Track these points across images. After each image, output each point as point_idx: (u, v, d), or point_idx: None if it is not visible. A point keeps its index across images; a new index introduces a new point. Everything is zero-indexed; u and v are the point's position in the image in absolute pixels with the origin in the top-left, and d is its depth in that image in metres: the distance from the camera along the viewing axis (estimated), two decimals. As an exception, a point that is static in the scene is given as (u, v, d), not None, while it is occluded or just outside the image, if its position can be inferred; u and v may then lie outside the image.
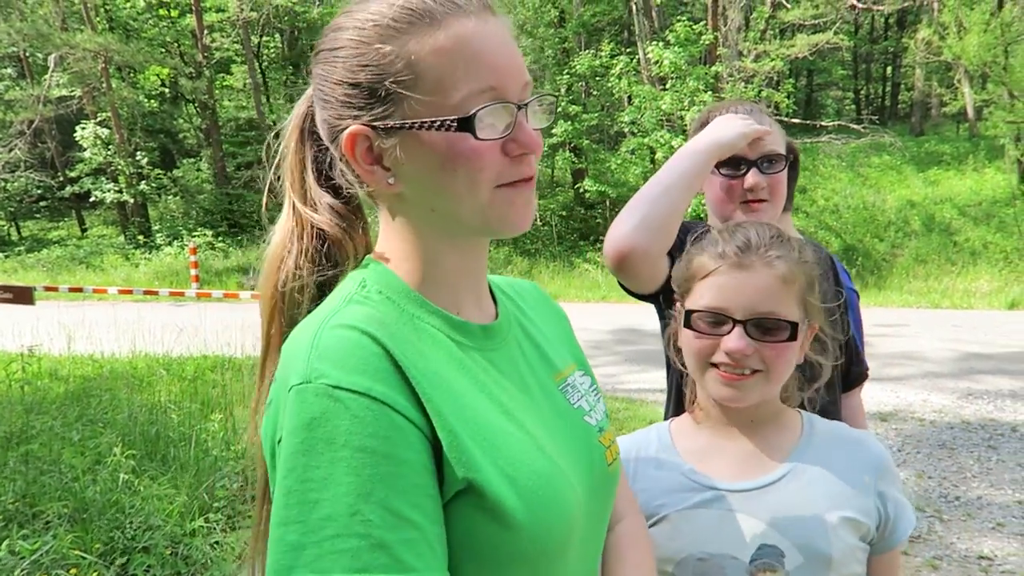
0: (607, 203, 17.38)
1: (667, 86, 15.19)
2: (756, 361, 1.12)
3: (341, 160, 0.87)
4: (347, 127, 0.83)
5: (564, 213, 18.44)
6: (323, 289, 0.89)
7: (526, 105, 0.83)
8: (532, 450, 0.82)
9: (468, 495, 0.75)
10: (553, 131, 16.86)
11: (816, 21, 19.81)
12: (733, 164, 1.60)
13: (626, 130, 16.65)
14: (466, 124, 0.79)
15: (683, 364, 1.24)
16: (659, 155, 14.80)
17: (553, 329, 1.05)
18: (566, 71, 17.36)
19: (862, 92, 33.35)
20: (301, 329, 0.80)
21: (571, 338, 1.09)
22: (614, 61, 16.01)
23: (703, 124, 1.69)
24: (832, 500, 1.15)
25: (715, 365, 1.15)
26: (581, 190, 17.30)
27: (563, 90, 17.39)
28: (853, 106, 32.37)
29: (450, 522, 0.75)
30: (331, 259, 0.90)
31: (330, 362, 0.73)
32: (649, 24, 17.97)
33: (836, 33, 19.45)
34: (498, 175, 0.82)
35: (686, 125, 14.54)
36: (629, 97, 16.51)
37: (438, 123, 0.79)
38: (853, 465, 1.19)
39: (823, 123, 19.84)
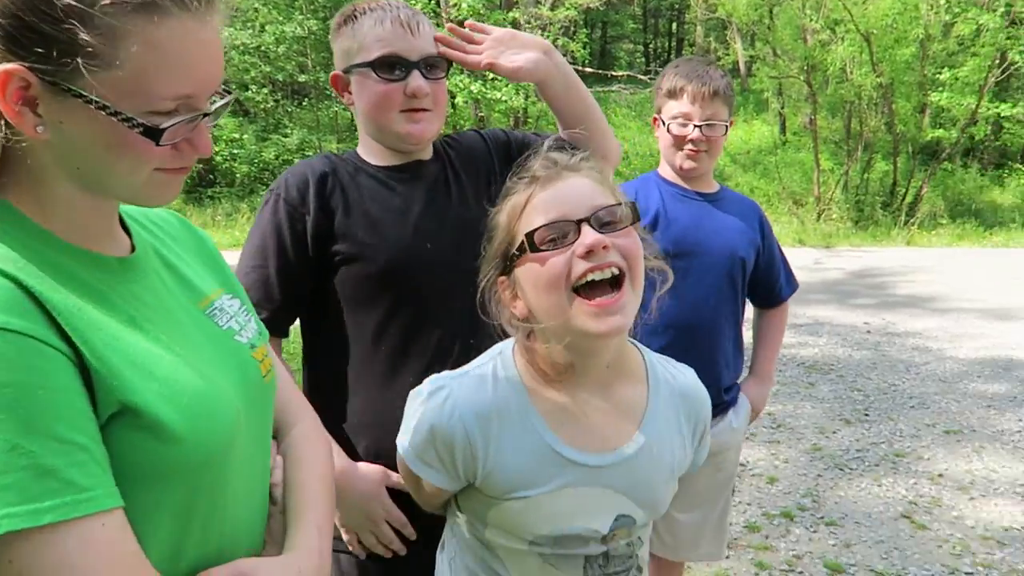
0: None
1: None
2: (617, 256, 1.05)
3: None
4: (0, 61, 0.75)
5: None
6: None
7: (212, 112, 0.85)
8: (185, 370, 0.84)
9: (124, 417, 0.77)
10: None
11: (608, -27, 20.48)
12: (388, 66, 1.44)
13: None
14: (152, 133, 0.79)
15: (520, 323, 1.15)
16: (459, 99, 14.76)
17: (196, 256, 1.05)
18: (363, 9, 16.73)
19: (651, 45, 35.26)
20: None
21: (217, 263, 1.09)
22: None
23: (343, 22, 1.48)
24: (674, 465, 1.21)
25: (579, 294, 1.05)
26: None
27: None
28: (643, 59, 34.17)
29: (108, 445, 0.76)
30: None
31: None
32: (448, -35, 17.66)
33: (626, -14, 20.26)
34: (161, 163, 0.83)
35: (484, 72, 14.56)
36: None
37: (124, 117, 0.77)
38: (689, 422, 1.24)
39: (615, 73, 20.78)
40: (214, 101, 0.85)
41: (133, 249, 0.92)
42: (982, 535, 3.46)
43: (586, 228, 1.05)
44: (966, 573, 3.15)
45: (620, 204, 1.09)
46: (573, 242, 1.05)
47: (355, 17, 1.47)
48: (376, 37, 1.44)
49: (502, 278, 1.15)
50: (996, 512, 3.69)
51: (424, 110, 1.48)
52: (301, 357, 1.60)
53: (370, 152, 1.56)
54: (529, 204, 1.11)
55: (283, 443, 1.08)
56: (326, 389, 1.51)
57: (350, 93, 1.52)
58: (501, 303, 1.16)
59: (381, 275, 1.45)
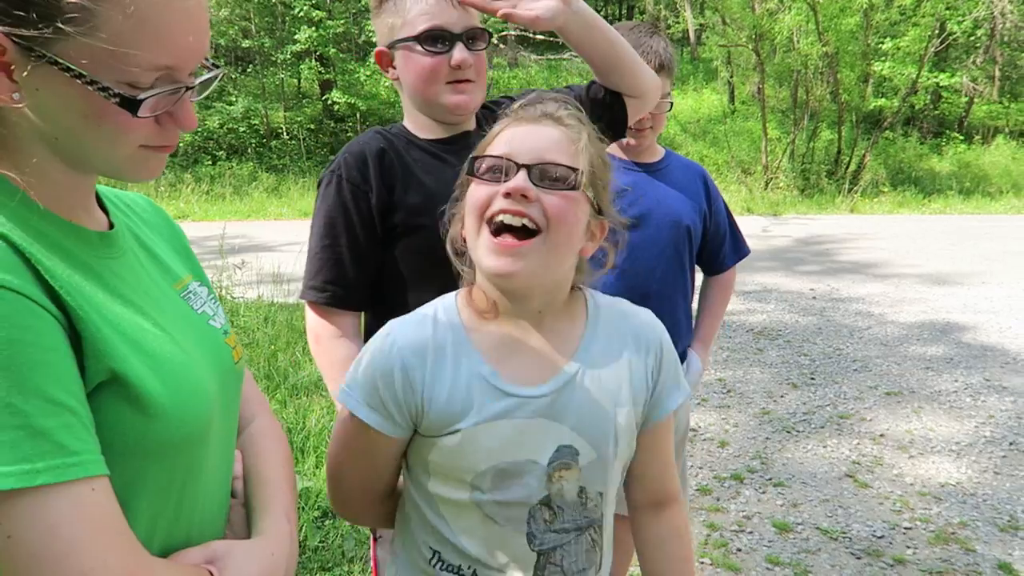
0: (358, 116, 16.84)
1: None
2: (537, 211, 1.07)
3: None
4: None
5: (312, 126, 17.58)
6: None
7: (196, 86, 0.82)
8: (169, 344, 0.84)
9: (112, 386, 0.76)
10: (296, 38, 15.85)
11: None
12: (433, 39, 1.49)
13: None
14: (129, 104, 0.76)
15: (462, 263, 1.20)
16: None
17: (166, 241, 1.05)
18: (308, -28, 16.24)
19: (601, 12, 35.10)
20: None
21: (185, 249, 1.09)
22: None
23: None
24: (619, 394, 1.18)
25: (492, 230, 1.08)
26: (329, 102, 16.56)
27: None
28: (594, 26, 33.98)
29: (93, 415, 0.75)
30: None
31: None
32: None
33: (576, -49, 20.07)
34: (145, 139, 0.81)
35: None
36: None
37: (101, 86, 0.75)
38: (639, 344, 1.22)
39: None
40: (199, 74, 0.83)
41: (111, 226, 0.91)
42: (920, 491, 3.62)
43: (521, 173, 1.08)
44: (905, 528, 3.30)
45: (574, 169, 1.10)
46: (506, 181, 1.09)
47: None
48: (420, 11, 1.49)
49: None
50: (933, 469, 3.86)
51: (468, 81, 1.52)
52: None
53: (417, 125, 1.60)
54: (497, 137, 1.15)
55: (242, 437, 1.08)
56: None
57: (394, 68, 1.56)
58: (454, 222, 1.22)
59: (440, 246, 1.46)
